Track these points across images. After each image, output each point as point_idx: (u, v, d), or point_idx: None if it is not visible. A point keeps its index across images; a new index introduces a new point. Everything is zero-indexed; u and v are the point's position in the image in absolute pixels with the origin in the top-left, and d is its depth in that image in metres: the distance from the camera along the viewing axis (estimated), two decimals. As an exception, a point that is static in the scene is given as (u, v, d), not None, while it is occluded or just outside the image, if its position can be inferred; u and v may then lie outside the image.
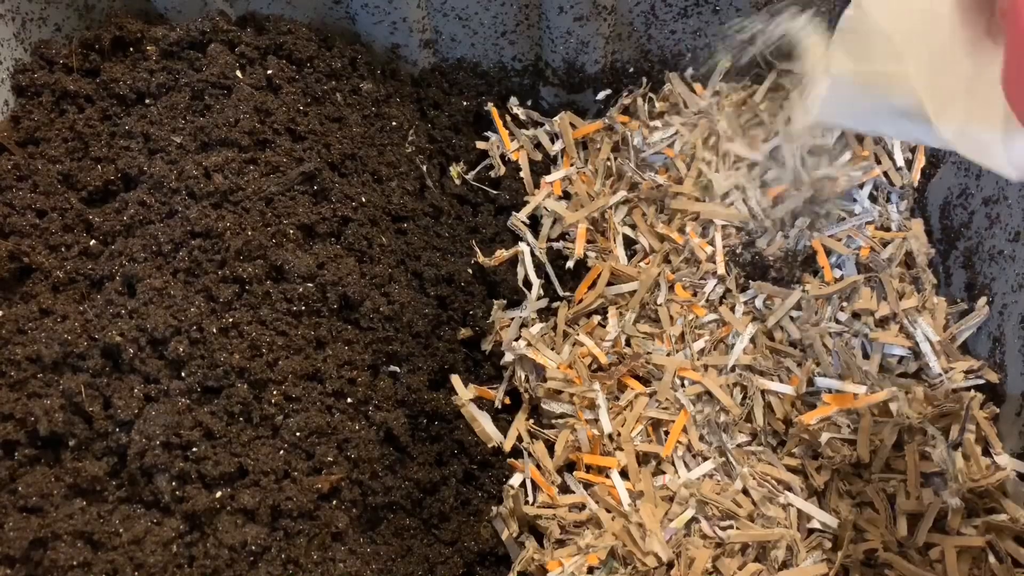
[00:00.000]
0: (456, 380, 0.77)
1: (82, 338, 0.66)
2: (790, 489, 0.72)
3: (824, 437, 0.73)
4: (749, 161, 0.90)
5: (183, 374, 0.66)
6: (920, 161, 0.89)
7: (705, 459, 0.75)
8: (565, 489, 0.75)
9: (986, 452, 0.72)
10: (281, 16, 0.89)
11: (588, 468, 0.75)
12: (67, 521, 0.61)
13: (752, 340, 0.80)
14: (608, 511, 0.72)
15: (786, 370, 0.78)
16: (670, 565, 0.68)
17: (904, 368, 0.78)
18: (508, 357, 0.79)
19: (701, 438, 0.76)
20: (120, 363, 0.66)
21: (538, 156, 0.94)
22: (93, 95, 0.81)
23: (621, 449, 0.75)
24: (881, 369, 0.78)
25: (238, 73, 0.81)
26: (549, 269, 0.85)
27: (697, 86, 0.97)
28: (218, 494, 0.63)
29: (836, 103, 0.53)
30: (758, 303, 0.82)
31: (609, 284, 0.84)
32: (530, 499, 0.74)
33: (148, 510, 0.63)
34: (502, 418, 0.78)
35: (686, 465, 0.75)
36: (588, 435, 0.75)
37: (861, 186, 0.88)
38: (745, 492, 0.72)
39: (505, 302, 0.82)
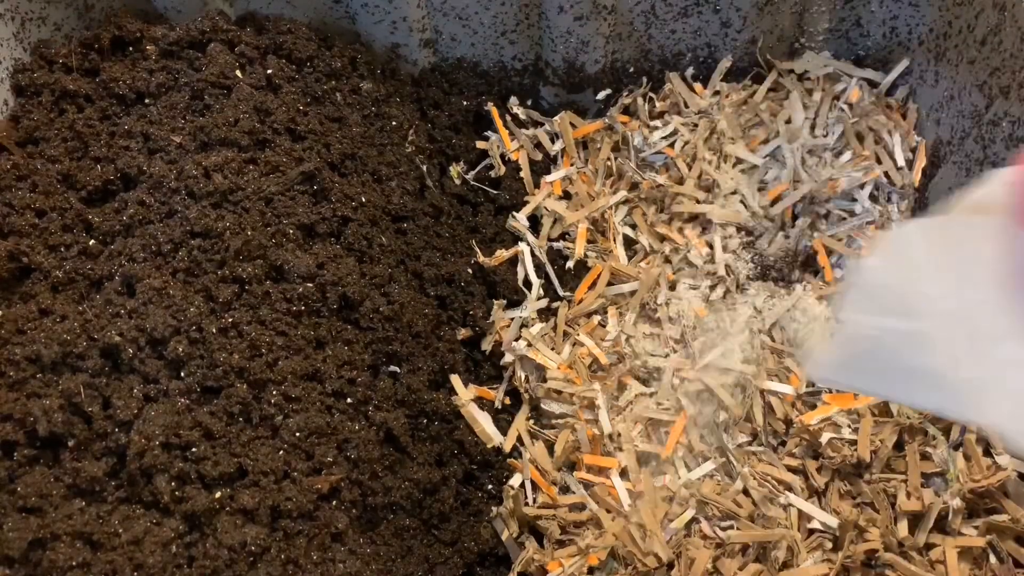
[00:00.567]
0: (456, 380, 0.77)
1: (81, 338, 0.66)
2: (790, 489, 0.72)
3: (824, 437, 0.72)
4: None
5: (182, 374, 0.66)
6: (921, 161, 0.89)
7: (705, 459, 0.75)
8: (565, 489, 0.75)
9: (987, 452, 0.72)
10: (281, 16, 0.89)
11: (588, 468, 0.75)
12: (66, 521, 0.61)
13: (752, 340, 0.80)
14: (608, 511, 0.72)
15: (786, 370, 0.78)
16: (670, 565, 0.68)
17: (904, 368, 0.78)
18: (508, 357, 0.79)
19: (701, 438, 0.76)
20: (119, 363, 0.66)
21: (538, 156, 0.94)
22: (93, 95, 0.81)
23: (621, 449, 0.75)
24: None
25: (238, 73, 0.81)
26: (549, 269, 0.85)
27: (697, 86, 0.97)
28: (217, 494, 0.63)
29: (845, 362, 0.47)
30: (758, 303, 0.82)
31: (609, 284, 0.84)
32: (530, 499, 0.73)
33: (147, 510, 0.63)
34: (502, 418, 0.78)
35: (686, 465, 0.75)
36: (588, 435, 0.75)
37: (862, 186, 0.88)
38: (745, 492, 0.72)
39: (505, 302, 0.82)
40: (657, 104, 0.96)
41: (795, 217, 0.87)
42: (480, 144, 0.94)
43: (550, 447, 0.76)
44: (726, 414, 0.76)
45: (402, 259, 0.80)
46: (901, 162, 0.89)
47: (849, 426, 0.73)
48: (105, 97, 0.81)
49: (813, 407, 0.75)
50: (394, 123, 0.88)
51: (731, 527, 0.70)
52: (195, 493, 0.62)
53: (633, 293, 0.83)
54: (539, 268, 0.86)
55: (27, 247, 0.72)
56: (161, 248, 0.71)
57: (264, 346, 0.68)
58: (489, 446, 0.75)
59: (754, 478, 0.73)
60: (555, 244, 0.87)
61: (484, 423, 0.75)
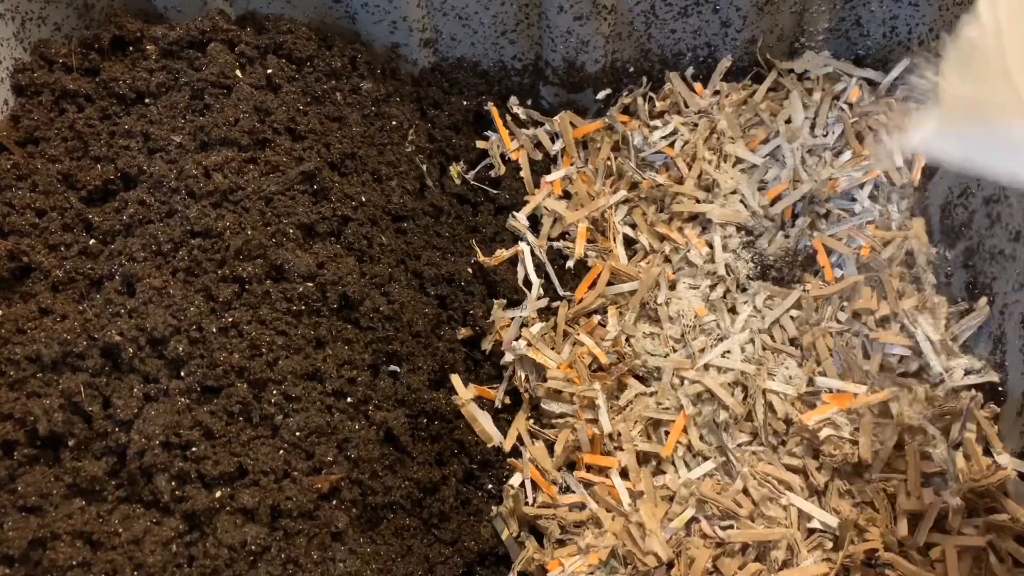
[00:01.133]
0: (456, 380, 0.77)
1: (81, 338, 0.66)
2: (790, 489, 0.72)
3: (824, 435, 0.72)
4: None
5: (183, 374, 0.66)
6: (921, 160, 0.89)
7: (705, 459, 0.75)
8: (565, 489, 0.75)
9: (987, 452, 0.72)
10: (281, 15, 0.89)
11: (588, 468, 0.75)
12: (66, 521, 0.61)
13: (752, 340, 0.80)
14: (608, 511, 0.72)
15: (786, 370, 0.78)
16: (670, 565, 0.68)
17: (904, 368, 0.78)
18: (508, 357, 0.79)
19: (701, 438, 0.76)
20: (120, 363, 0.66)
21: (538, 156, 0.94)
22: (93, 94, 0.81)
23: (621, 449, 0.75)
24: (881, 369, 0.77)
25: (238, 72, 0.81)
26: (549, 269, 0.85)
27: (697, 86, 0.97)
28: (218, 494, 0.63)
29: (948, 136, 0.45)
30: (758, 303, 0.82)
31: (609, 284, 0.84)
32: (530, 499, 0.73)
33: (148, 510, 0.63)
34: (502, 418, 0.78)
35: (686, 465, 0.75)
36: (588, 435, 0.75)
37: (861, 186, 0.88)
38: (745, 492, 0.72)
39: (505, 302, 0.82)
40: (657, 104, 0.96)
41: (795, 217, 0.87)
42: (480, 144, 0.94)
43: (550, 447, 0.76)
44: (726, 414, 0.76)
45: (402, 259, 0.80)
46: (900, 162, 0.89)
47: (849, 426, 0.74)
48: (105, 97, 0.81)
49: (813, 407, 0.75)
50: (394, 123, 0.88)
51: (731, 527, 0.70)
52: (195, 492, 0.62)
53: (633, 293, 0.83)
54: (539, 268, 0.86)
55: (27, 247, 0.72)
56: (161, 248, 0.71)
57: (264, 346, 0.68)
58: (489, 446, 0.75)
59: (754, 478, 0.73)
60: (555, 244, 0.87)
61: (484, 423, 0.75)
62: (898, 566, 0.67)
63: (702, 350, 0.80)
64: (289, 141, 0.79)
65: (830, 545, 0.70)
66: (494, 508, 0.73)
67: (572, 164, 0.93)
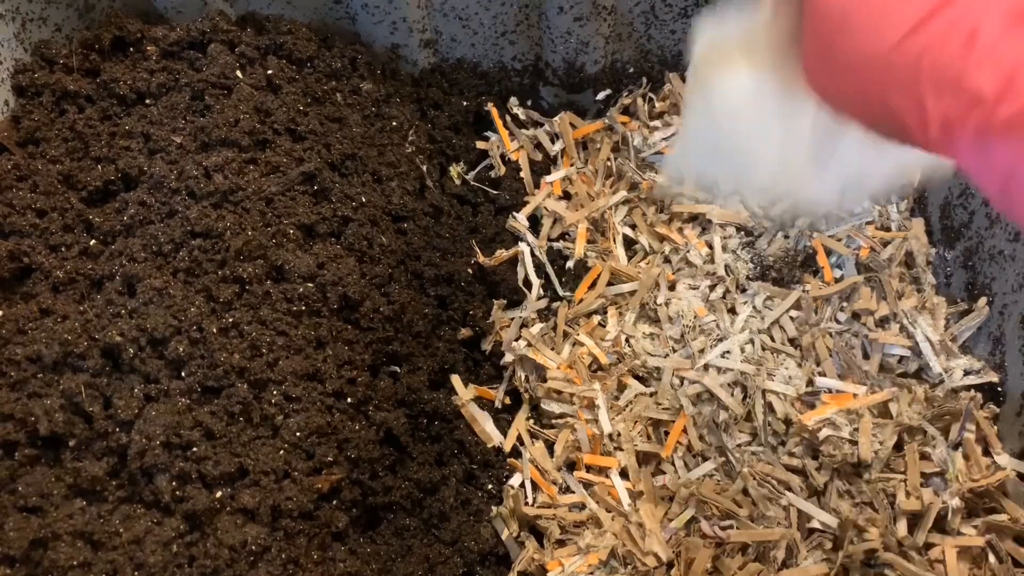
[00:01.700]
0: (456, 380, 0.77)
1: (82, 338, 0.66)
2: (790, 489, 0.72)
3: (824, 435, 0.73)
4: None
5: (183, 374, 0.66)
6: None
7: (705, 459, 0.75)
8: (565, 489, 0.75)
9: (986, 452, 0.72)
10: (281, 16, 0.89)
11: (588, 468, 0.75)
12: (67, 521, 0.61)
13: (752, 340, 0.80)
14: (608, 511, 0.72)
15: (785, 370, 0.78)
16: (670, 565, 0.68)
17: (904, 368, 0.78)
18: (508, 357, 0.79)
19: (701, 438, 0.76)
20: (120, 363, 0.66)
21: (538, 156, 0.94)
22: (93, 95, 0.81)
23: (621, 449, 0.75)
24: (881, 369, 0.78)
25: (238, 73, 0.81)
26: (549, 269, 0.85)
27: (697, 86, 0.97)
28: (218, 494, 0.63)
29: (689, 154, 0.56)
30: (758, 303, 0.82)
31: (609, 284, 0.84)
32: (530, 499, 0.74)
33: (148, 510, 0.63)
34: (502, 418, 0.78)
35: (686, 465, 0.75)
36: (588, 435, 0.75)
37: (861, 186, 0.88)
38: (745, 492, 0.72)
39: (505, 302, 0.82)
40: (657, 104, 0.96)
41: (794, 217, 0.87)
42: (480, 144, 0.94)
43: (550, 447, 0.76)
44: (726, 414, 0.76)
45: (402, 259, 0.80)
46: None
47: (848, 426, 0.74)
48: (106, 97, 0.81)
49: (813, 407, 0.75)
50: (394, 123, 0.88)
51: (731, 527, 0.70)
52: (196, 493, 0.62)
53: (633, 293, 0.83)
54: (539, 268, 0.86)
55: (28, 247, 0.72)
56: (162, 248, 0.71)
57: (264, 346, 0.68)
58: (489, 446, 0.75)
59: (754, 478, 0.73)
60: (555, 244, 0.87)
61: (484, 423, 0.75)
62: (897, 566, 0.67)
63: (702, 350, 0.80)
64: (289, 142, 0.79)
65: (830, 545, 0.70)
66: (494, 508, 0.73)
67: (572, 165, 0.93)
